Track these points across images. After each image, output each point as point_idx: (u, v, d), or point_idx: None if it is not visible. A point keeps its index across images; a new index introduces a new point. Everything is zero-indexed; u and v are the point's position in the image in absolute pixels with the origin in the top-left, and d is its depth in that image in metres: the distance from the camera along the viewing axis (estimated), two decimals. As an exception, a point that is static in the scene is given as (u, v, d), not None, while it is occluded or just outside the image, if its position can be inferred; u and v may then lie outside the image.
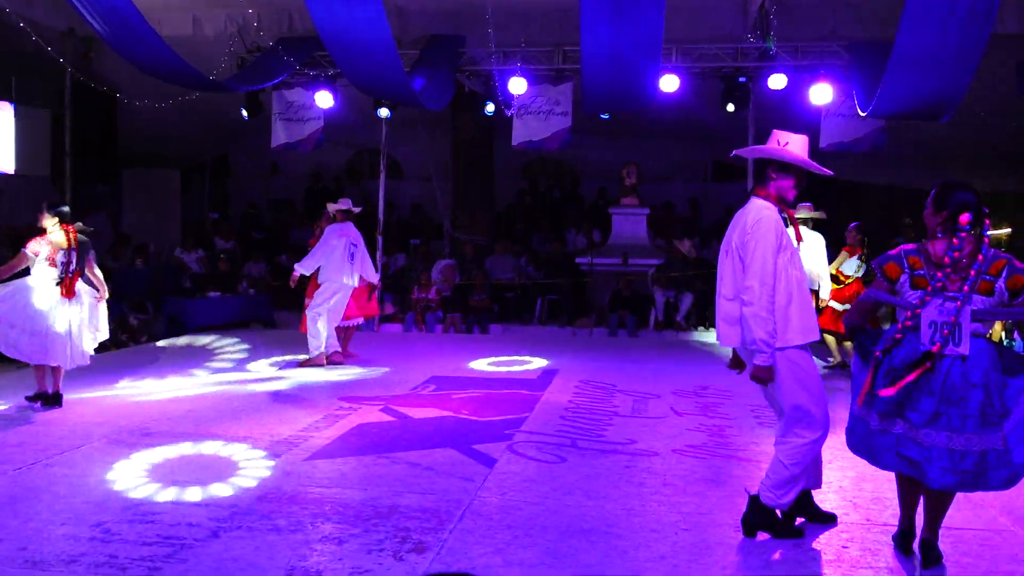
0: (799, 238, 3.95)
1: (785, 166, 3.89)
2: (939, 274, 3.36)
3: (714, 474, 4.94)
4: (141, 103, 11.41)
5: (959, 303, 3.34)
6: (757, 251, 3.72)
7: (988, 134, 10.61)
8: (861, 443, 3.64)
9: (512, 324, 12.38)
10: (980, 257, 3.34)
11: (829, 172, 4.01)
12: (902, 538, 3.75)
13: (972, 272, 3.34)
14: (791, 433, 3.84)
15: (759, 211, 3.82)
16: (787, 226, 3.87)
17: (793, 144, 3.90)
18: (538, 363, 8.92)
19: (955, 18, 7.82)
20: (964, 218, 3.35)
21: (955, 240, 3.36)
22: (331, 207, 8.95)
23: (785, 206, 3.92)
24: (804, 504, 4.06)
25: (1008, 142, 11.99)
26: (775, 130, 4.00)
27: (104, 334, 6.74)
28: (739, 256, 3.82)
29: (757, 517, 3.92)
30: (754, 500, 3.94)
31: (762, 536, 3.93)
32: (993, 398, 3.31)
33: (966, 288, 3.33)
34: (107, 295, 6.69)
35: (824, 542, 3.88)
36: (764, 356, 3.73)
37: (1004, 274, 3.34)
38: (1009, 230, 14.08)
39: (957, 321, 3.32)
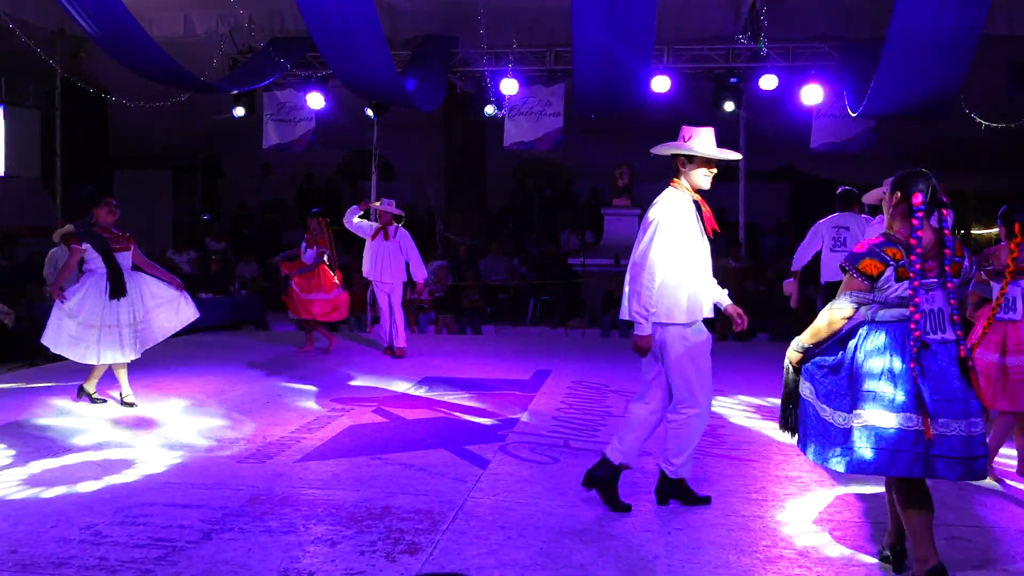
0: (713, 226, 4.31)
1: (691, 157, 4.26)
2: (913, 257, 3.28)
3: (707, 474, 4.93)
4: (132, 103, 11.37)
5: (941, 289, 3.32)
6: (647, 232, 4.17)
7: (981, 134, 10.66)
8: (879, 455, 3.29)
9: (505, 325, 12.37)
10: (947, 250, 3.31)
11: (736, 156, 4.36)
12: (897, 556, 3.55)
13: (947, 254, 3.32)
14: (677, 409, 4.26)
15: (662, 198, 4.28)
16: (699, 214, 4.26)
17: (699, 137, 4.24)
18: (531, 364, 8.91)
19: (946, 15, 7.86)
20: (917, 198, 3.30)
21: (914, 221, 3.29)
22: (379, 207, 9.28)
23: (699, 196, 4.30)
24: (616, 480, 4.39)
25: (1001, 143, 12.05)
26: (684, 126, 4.33)
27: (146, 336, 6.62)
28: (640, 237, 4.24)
29: (667, 489, 4.35)
30: (662, 475, 4.34)
31: (754, 534, 3.94)
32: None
33: (944, 272, 3.32)
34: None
35: (817, 538, 3.89)
36: (641, 327, 4.15)
37: (966, 253, 3.39)
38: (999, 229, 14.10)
39: (938, 308, 3.31)
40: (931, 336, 3.27)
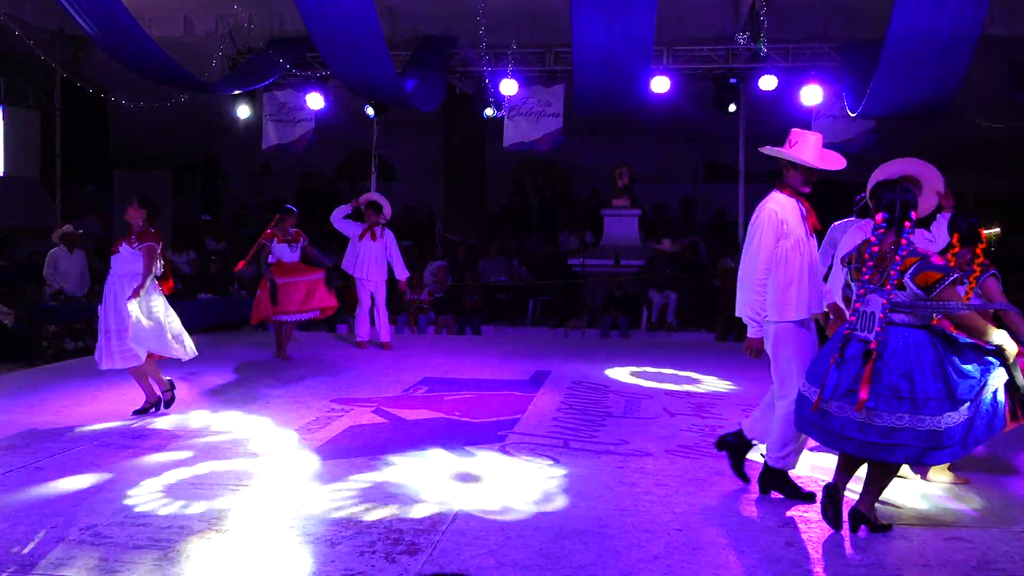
0: (815, 226, 4.45)
1: (792, 163, 4.37)
2: (864, 268, 3.82)
3: (707, 474, 4.93)
4: (132, 103, 11.37)
5: (877, 295, 3.74)
6: (755, 238, 4.34)
7: (981, 134, 10.68)
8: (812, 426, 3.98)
9: (504, 325, 12.37)
10: (898, 257, 3.70)
11: (840, 165, 4.39)
12: (828, 491, 3.97)
13: (888, 267, 3.72)
14: (777, 400, 4.41)
15: (767, 202, 4.40)
16: (804, 216, 4.38)
17: (803, 143, 4.36)
18: (531, 364, 8.91)
19: (945, 16, 7.87)
20: (878, 217, 3.81)
21: (872, 236, 3.82)
22: (375, 197, 9.59)
23: (802, 197, 4.41)
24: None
25: (1001, 143, 12.06)
26: (793, 129, 4.44)
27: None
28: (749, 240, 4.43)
29: (768, 480, 4.46)
30: (765, 465, 4.47)
31: (754, 534, 3.94)
32: (928, 384, 3.62)
33: (884, 282, 3.72)
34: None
35: (816, 540, 3.89)
36: (753, 329, 4.38)
37: (911, 271, 3.66)
38: (998, 229, 14.17)
39: (871, 311, 3.75)
40: (859, 333, 3.80)
